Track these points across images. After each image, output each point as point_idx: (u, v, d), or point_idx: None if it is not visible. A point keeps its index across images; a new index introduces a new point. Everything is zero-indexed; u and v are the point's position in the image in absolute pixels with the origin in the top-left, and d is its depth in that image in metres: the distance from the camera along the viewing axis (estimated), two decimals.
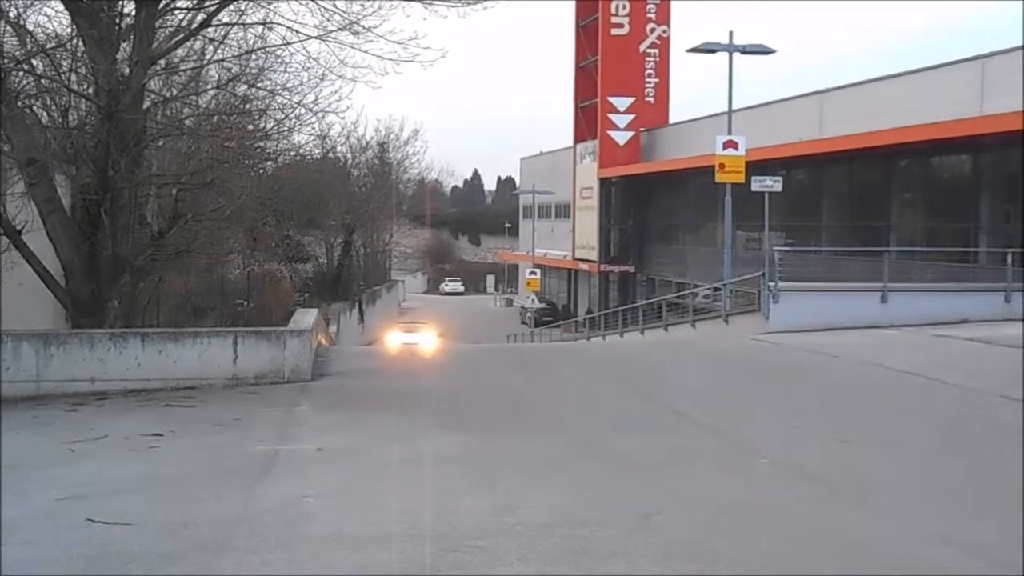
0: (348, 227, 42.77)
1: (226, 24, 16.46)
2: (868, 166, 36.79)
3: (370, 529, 7.14)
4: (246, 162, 19.85)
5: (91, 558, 6.55)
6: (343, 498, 8.11)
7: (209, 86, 18.19)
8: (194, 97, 17.98)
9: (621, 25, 58.44)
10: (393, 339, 42.09)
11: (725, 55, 29.06)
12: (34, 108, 15.61)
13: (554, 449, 9.96)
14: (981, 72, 30.99)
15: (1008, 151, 29.31)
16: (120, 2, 15.40)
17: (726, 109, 30.13)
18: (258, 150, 20.28)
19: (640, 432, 10.89)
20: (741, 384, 14.73)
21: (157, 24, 15.85)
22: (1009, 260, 22.17)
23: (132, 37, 15.42)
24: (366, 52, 15.85)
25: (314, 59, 16.42)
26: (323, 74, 16.53)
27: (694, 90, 62.28)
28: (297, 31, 15.87)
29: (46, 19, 16.43)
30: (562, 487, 8.36)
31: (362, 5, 15.42)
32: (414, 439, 10.46)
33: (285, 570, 6.30)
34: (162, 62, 16.30)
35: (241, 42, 17.00)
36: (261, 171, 23.57)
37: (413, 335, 43.47)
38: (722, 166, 27.68)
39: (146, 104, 16.18)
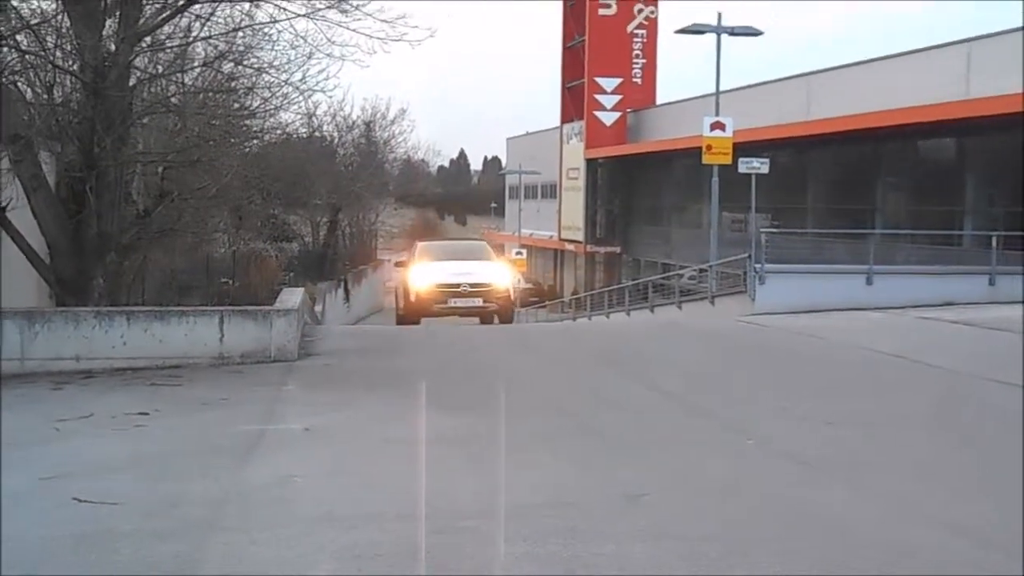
0: (334, 206, 42.59)
1: (213, 1, 16.36)
2: (854, 148, 36.86)
3: (359, 509, 7.14)
4: (232, 140, 19.74)
5: (78, 536, 6.53)
6: (332, 478, 8.10)
7: (195, 63, 18.08)
8: (180, 75, 17.85)
9: (608, 5, 58.31)
10: (419, 277, 21.51)
11: (713, 36, 29.03)
12: (18, 84, 15.50)
13: (543, 429, 9.96)
14: (968, 56, 31.03)
15: (994, 134, 29.41)
16: None
17: (713, 90, 30.09)
18: (244, 128, 20.20)
19: (628, 412, 10.91)
20: (728, 365, 14.77)
21: (143, 0, 15.75)
22: (994, 243, 22.26)
23: (118, 13, 15.31)
24: (354, 31, 15.81)
25: (302, 37, 16.35)
26: (310, 52, 16.47)
27: (681, 71, 62.24)
28: (284, 8, 15.81)
29: None
30: (552, 467, 8.36)
31: None
32: (403, 418, 10.44)
33: (274, 549, 6.29)
34: (148, 39, 16.19)
35: (228, 19, 16.91)
36: (247, 149, 23.48)
37: (463, 265, 21.86)
38: (709, 147, 27.68)
39: (132, 81, 16.08)
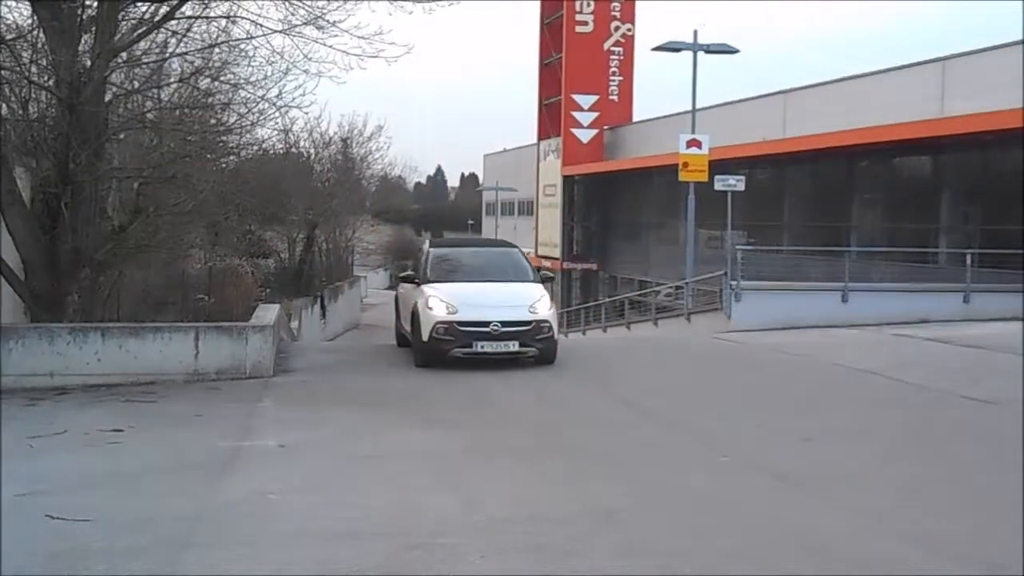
0: (310, 223, 42.47)
1: (189, 17, 16.37)
2: (830, 166, 37.05)
3: (333, 526, 7.12)
4: (208, 156, 19.67)
5: (51, 554, 6.49)
6: (306, 494, 8.07)
7: (171, 79, 18.04)
8: (156, 90, 17.81)
9: (585, 23, 58.45)
10: (432, 307, 15.40)
11: (689, 54, 29.15)
12: None
13: (518, 445, 9.97)
14: (942, 74, 31.27)
15: (968, 152, 29.63)
16: None
17: (690, 108, 30.22)
18: (221, 144, 20.12)
19: (604, 429, 10.91)
20: (704, 382, 14.78)
21: (119, 16, 15.72)
22: (968, 261, 22.40)
23: (94, 29, 15.28)
24: (330, 47, 15.83)
25: (278, 53, 16.35)
26: (287, 69, 16.46)
27: (658, 89, 62.62)
28: (261, 25, 15.84)
29: (7, 9, 16.27)
30: (526, 483, 8.36)
31: (327, 0, 15.40)
32: (377, 435, 10.44)
33: (247, 567, 6.26)
34: (124, 55, 16.15)
35: (204, 35, 16.90)
36: (223, 165, 23.40)
37: (492, 291, 16.02)
38: (686, 165, 27.76)
39: (108, 97, 16.03)
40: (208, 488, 8.16)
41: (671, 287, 31.39)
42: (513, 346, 15.19)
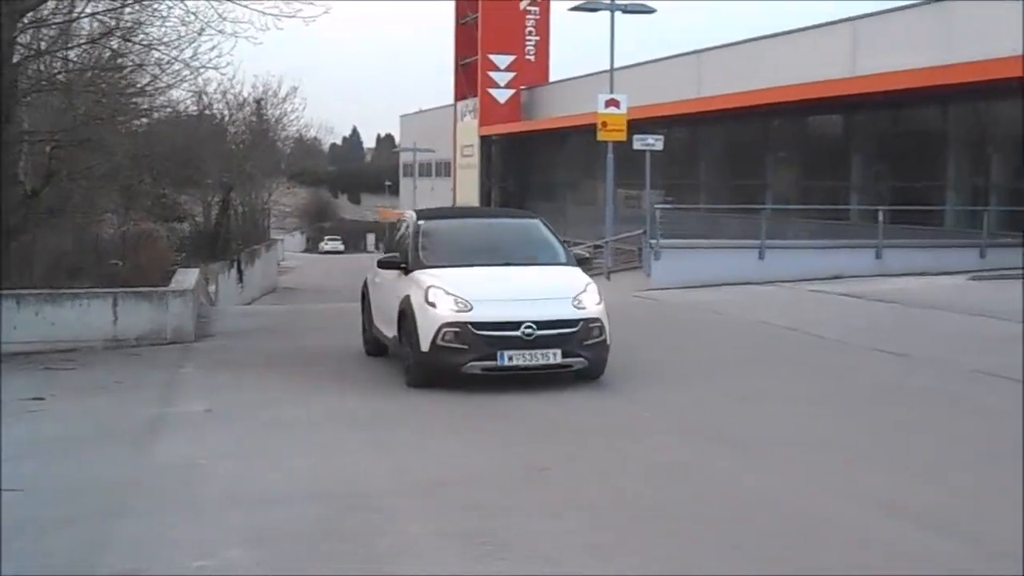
0: (226, 186, 41.89)
1: None
2: (745, 125, 37.42)
3: (265, 490, 7.11)
4: (120, 119, 19.31)
5: None
6: (236, 460, 8.04)
7: (82, 40, 17.64)
8: (65, 51, 17.41)
9: None
10: (433, 302, 10.85)
11: (607, 14, 29.20)
12: None
13: (447, 408, 10.00)
14: (853, 33, 31.70)
15: (879, 111, 30.13)
16: None
17: (607, 68, 30.30)
18: (133, 106, 19.76)
19: (530, 389, 10.95)
20: (626, 340, 14.88)
21: None
22: (880, 218, 22.85)
23: None
24: (246, 7, 15.61)
25: (192, 13, 16.10)
26: (201, 29, 16.22)
27: (575, 50, 62.64)
28: None
29: None
30: (456, 445, 8.42)
31: None
32: (304, 399, 10.39)
33: (181, 532, 6.23)
34: (31, 15, 15.76)
35: None
36: (137, 128, 23.00)
37: (516, 278, 11.61)
38: (604, 124, 27.86)
39: (15, 59, 15.65)
40: (136, 455, 8.10)
41: (590, 246, 31.55)
42: (554, 356, 10.82)
